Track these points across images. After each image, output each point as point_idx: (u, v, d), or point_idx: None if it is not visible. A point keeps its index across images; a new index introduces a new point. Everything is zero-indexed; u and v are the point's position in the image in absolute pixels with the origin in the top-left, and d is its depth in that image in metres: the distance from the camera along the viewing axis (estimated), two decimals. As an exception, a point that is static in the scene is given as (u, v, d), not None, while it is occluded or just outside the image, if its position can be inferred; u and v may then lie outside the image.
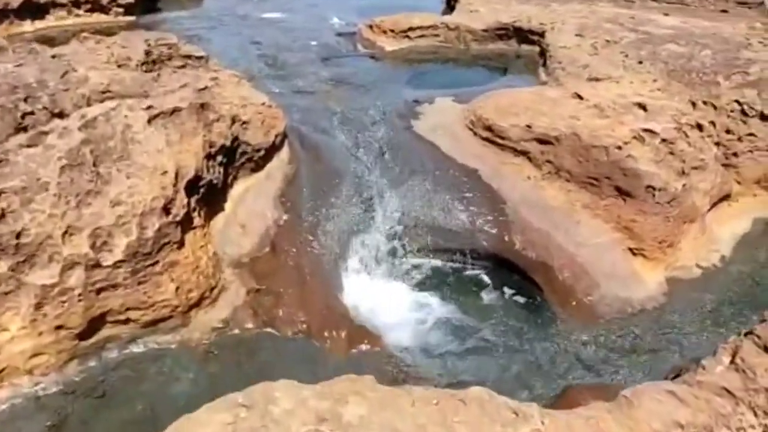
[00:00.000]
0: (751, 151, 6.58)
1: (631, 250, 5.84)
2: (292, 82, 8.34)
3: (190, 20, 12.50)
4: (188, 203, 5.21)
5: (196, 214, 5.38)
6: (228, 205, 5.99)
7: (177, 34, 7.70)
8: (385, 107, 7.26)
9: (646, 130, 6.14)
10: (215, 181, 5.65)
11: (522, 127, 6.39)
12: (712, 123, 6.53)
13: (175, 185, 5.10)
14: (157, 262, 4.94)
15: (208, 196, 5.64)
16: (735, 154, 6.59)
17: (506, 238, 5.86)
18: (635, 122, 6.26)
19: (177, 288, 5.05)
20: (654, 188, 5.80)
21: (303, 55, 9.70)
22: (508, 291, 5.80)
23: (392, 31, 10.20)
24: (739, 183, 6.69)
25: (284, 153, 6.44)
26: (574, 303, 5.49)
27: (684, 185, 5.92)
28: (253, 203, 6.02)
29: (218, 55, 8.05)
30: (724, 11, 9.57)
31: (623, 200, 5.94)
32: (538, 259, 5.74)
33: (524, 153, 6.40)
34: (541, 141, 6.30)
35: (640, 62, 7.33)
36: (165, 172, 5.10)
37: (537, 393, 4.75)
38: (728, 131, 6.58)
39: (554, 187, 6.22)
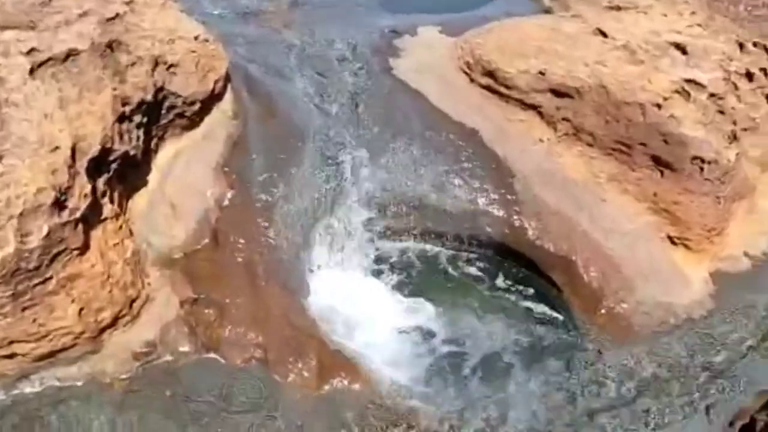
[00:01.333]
0: (803, 105, 5.39)
1: (670, 238, 4.67)
2: (235, 1, 6.60)
3: None
4: (93, 189, 3.74)
5: (106, 200, 3.92)
6: (153, 178, 4.50)
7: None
8: (356, 39, 5.68)
9: (690, 82, 4.86)
10: (133, 151, 4.15)
11: (533, 75, 5.00)
12: (764, 70, 5.26)
13: (71, 166, 3.60)
14: (48, 279, 3.52)
15: (124, 171, 4.16)
16: (786, 109, 5.39)
17: (516, 224, 4.60)
18: (675, 70, 4.94)
19: (81, 310, 3.66)
20: (703, 160, 4.58)
21: (248, -40, 7.87)
22: (517, 292, 4.60)
23: (356, -68, 8.41)
24: (784, 143, 5.53)
25: (227, 104, 4.90)
26: (603, 311, 4.33)
27: (737, 154, 4.72)
28: (186, 174, 4.55)
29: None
30: None
31: (660, 173, 4.72)
32: (557, 252, 4.52)
33: (535, 107, 5.04)
34: (558, 93, 4.95)
35: (673, -12, 5.93)
36: (56, 148, 3.58)
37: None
38: (780, 80, 5.34)
39: (572, 153, 4.93)
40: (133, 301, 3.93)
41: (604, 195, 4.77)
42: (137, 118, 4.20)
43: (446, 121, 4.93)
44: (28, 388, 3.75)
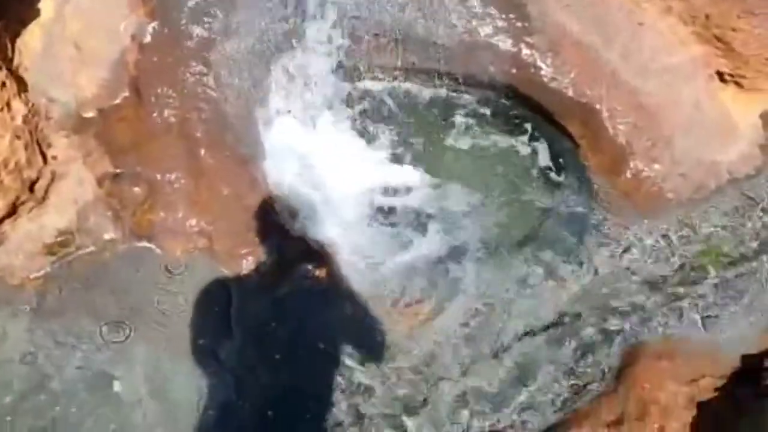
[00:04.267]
0: None
1: (720, 74, 3.68)
2: None
3: None
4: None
5: (-26, 50, 2.87)
6: (46, 4, 3.37)
7: None
8: None
9: None
10: (5, -24, 2.99)
11: None
12: None
13: None
14: None
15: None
16: None
17: (527, 60, 3.56)
18: None
19: (-41, 206, 2.82)
20: (775, -32, 3.45)
21: None
22: (521, 147, 3.72)
23: None
24: None
25: None
26: (629, 174, 3.49)
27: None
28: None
29: None
30: None
31: (716, -14, 3.60)
32: (577, 97, 3.55)
33: None
34: None
35: None
36: None
37: (579, 362, 3.05)
38: None
39: (603, -40, 3.75)
40: (33, 183, 3.06)
41: (641, 18, 3.68)
42: (4, -75, 2.98)
43: None
44: None
